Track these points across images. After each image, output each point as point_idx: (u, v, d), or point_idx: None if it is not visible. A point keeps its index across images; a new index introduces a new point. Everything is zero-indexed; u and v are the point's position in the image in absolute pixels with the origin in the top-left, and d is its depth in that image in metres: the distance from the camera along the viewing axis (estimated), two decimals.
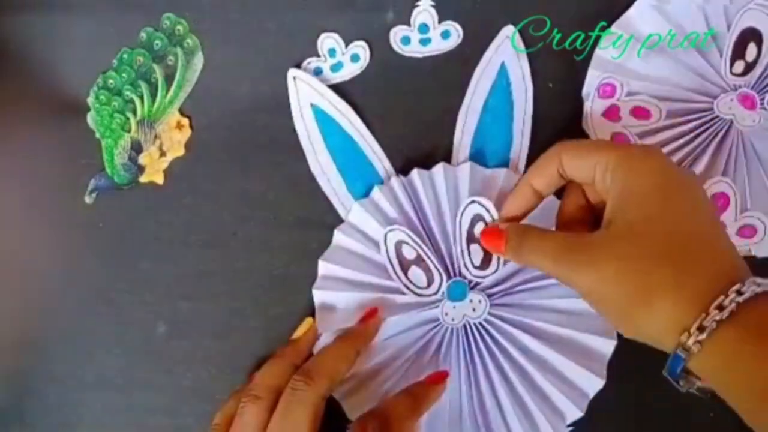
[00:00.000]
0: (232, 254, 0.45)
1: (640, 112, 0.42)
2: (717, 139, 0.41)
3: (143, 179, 0.46)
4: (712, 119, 0.42)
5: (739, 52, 0.42)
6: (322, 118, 0.45)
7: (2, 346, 0.46)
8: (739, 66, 0.42)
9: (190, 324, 0.45)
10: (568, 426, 0.40)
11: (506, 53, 0.44)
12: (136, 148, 0.46)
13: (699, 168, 0.41)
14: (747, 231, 0.40)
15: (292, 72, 0.45)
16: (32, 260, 0.47)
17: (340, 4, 0.46)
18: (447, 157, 0.44)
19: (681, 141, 0.42)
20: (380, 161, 0.44)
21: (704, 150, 0.41)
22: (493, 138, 0.44)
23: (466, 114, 0.44)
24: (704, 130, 0.42)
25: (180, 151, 0.46)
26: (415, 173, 0.43)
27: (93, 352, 0.45)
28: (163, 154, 0.46)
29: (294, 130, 0.45)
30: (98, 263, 0.46)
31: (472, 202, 0.41)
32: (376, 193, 0.43)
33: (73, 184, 0.46)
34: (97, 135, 0.47)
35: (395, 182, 0.43)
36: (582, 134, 0.43)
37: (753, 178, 0.41)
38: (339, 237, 0.43)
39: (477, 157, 0.43)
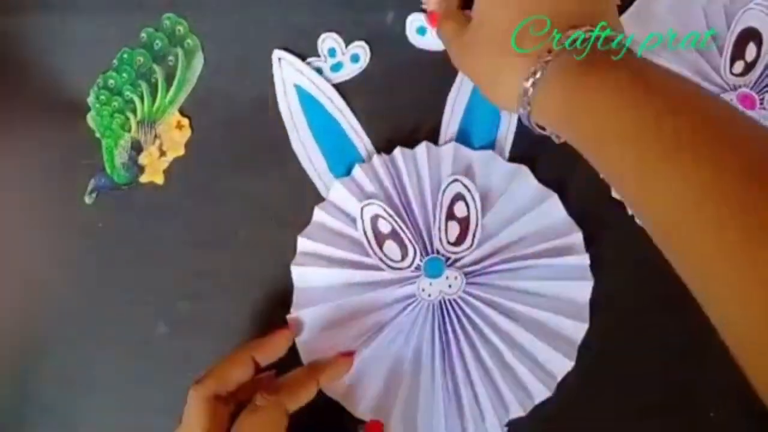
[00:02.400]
0: (232, 254, 0.45)
1: None
2: None
3: (143, 179, 0.46)
4: None
5: (738, 52, 0.42)
6: (306, 98, 0.45)
7: (2, 346, 0.46)
8: (739, 66, 0.42)
9: (190, 324, 0.45)
10: (536, 405, 0.41)
11: None
12: (136, 148, 0.46)
13: None
14: None
15: (276, 53, 0.45)
16: (32, 260, 0.46)
17: (340, 4, 0.46)
18: (432, 138, 0.44)
19: None
20: (362, 141, 0.45)
21: None
22: (480, 120, 0.44)
23: (456, 96, 0.44)
24: None
25: (180, 151, 0.46)
26: (398, 152, 0.43)
27: (93, 352, 0.45)
28: (163, 154, 0.46)
29: None
30: (98, 263, 0.46)
31: (455, 180, 0.42)
32: (357, 171, 0.43)
33: (73, 184, 0.46)
34: (97, 135, 0.47)
35: (377, 160, 0.43)
36: None
37: None
38: (319, 214, 0.44)
39: (463, 138, 0.44)
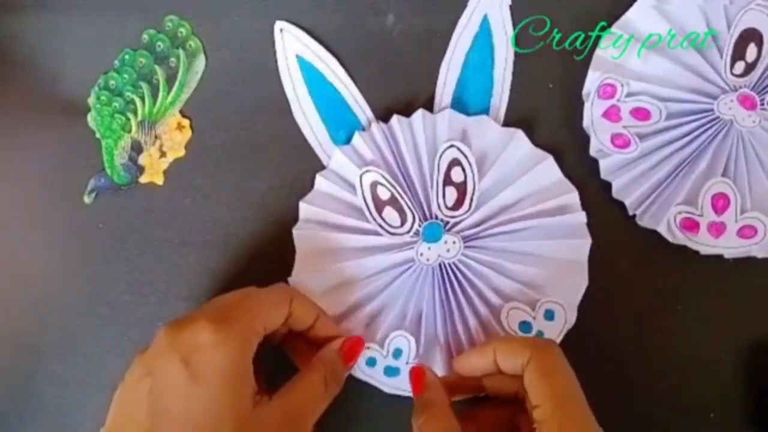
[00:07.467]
0: (232, 254, 0.45)
1: (640, 113, 0.42)
2: (717, 140, 0.41)
3: (143, 180, 0.46)
4: (713, 120, 0.42)
5: (739, 52, 0.42)
6: (307, 68, 0.45)
7: (2, 346, 0.46)
8: (740, 66, 0.42)
9: None
10: None
11: (489, 5, 0.45)
12: (137, 148, 0.47)
13: (699, 168, 0.41)
14: (747, 231, 0.40)
15: (279, 24, 0.46)
16: (32, 260, 0.47)
17: (339, 7, 0.46)
18: (428, 107, 0.44)
19: (681, 142, 0.42)
20: (362, 110, 0.45)
21: (704, 151, 0.41)
22: (474, 88, 0.45)
23: (449, 65, 0.45)
24: (704, 131, 0.42)
25: (180, 152, 0.46)
26: (395, 119, 0.44)
27: (93, 353, 0.45)
28: (163, 154, 0.46)
29: (294, 131, 0.45)
30: (98, 263, 0.46)
31: (451, 146, 0.42)
32: (357, 139, 0.44)
33: (73, 184, 0.46)
34: (98, 135, 0.47)
35: (375, 128, 0.44)
36: (582, 134, 0.43)
37: (753, 178, 0.41)
38: (320, 181, 0.44)
39: (457, 105, 0.44)
